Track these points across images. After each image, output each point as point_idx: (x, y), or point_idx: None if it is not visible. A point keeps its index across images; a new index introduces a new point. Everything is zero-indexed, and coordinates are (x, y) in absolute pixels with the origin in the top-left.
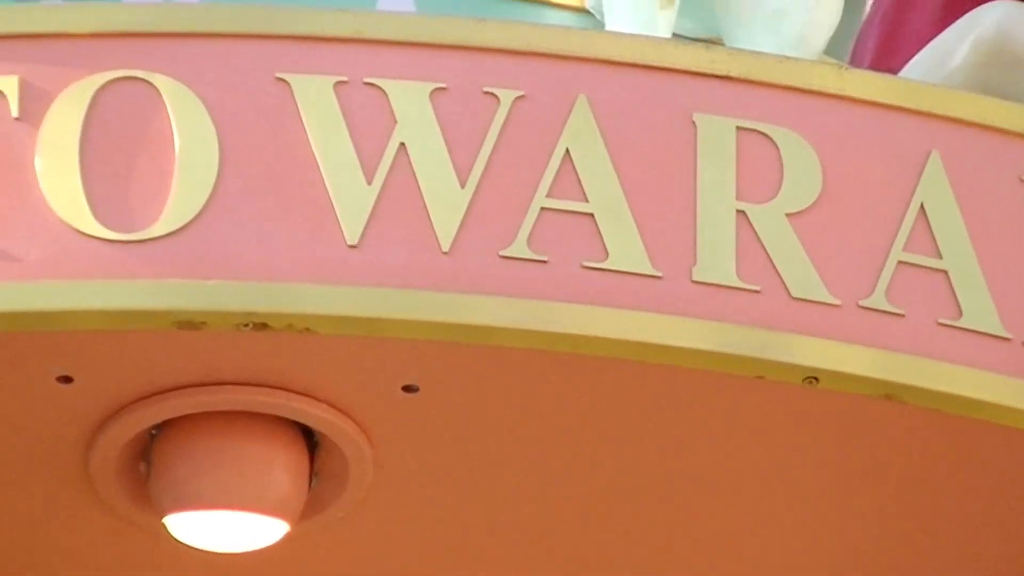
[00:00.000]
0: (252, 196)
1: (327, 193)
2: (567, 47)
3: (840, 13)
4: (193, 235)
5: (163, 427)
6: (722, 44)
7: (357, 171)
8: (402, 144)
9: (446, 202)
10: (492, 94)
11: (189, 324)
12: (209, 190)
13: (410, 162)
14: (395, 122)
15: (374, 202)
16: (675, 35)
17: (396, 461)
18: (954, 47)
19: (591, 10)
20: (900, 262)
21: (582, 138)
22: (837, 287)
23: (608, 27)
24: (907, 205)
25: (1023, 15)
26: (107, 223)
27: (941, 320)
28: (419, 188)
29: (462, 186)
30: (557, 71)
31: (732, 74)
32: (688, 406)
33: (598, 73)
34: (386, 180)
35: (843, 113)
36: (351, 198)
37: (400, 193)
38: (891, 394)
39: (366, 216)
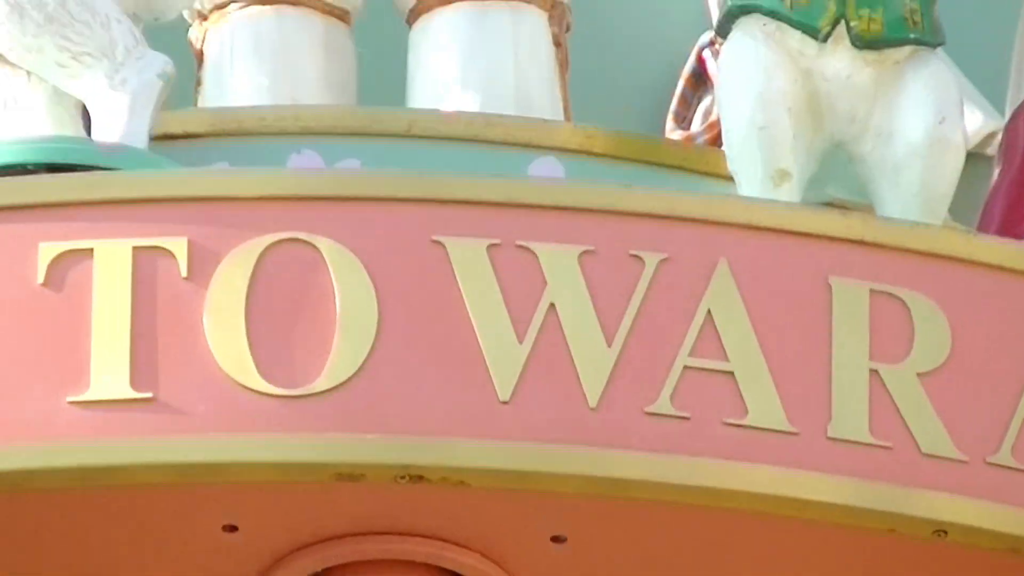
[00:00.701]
0: (409, 353)
1: (480, 351)
2: (709, 212)
3: (962, 159)
4: (353, 391)
5: (323, 575)
6: (860, 208)
7: (509, 330)
8: (552, 304)
9: (593, 360)
10: (638, 257)
11: (349, 476)
12: (368, 347)
13: (559, 321)
14: (545, 283)
15: (525, 360)
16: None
17: None
18: None
19: None
20: None
21: (723, 300)
22: (965, 444)
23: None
24: None
25: None
26: (271, 379)
27: None
28: (568, 346)
29: (608, 345)
30: (699, 235)
31: (866, 239)
32: (822, 558)
33: (738, 237)
34: (537, 339)
35: (971, 277)
36: (503, 356)
37: (550, 351)
38: (1017, 548)
39: (517, 373)
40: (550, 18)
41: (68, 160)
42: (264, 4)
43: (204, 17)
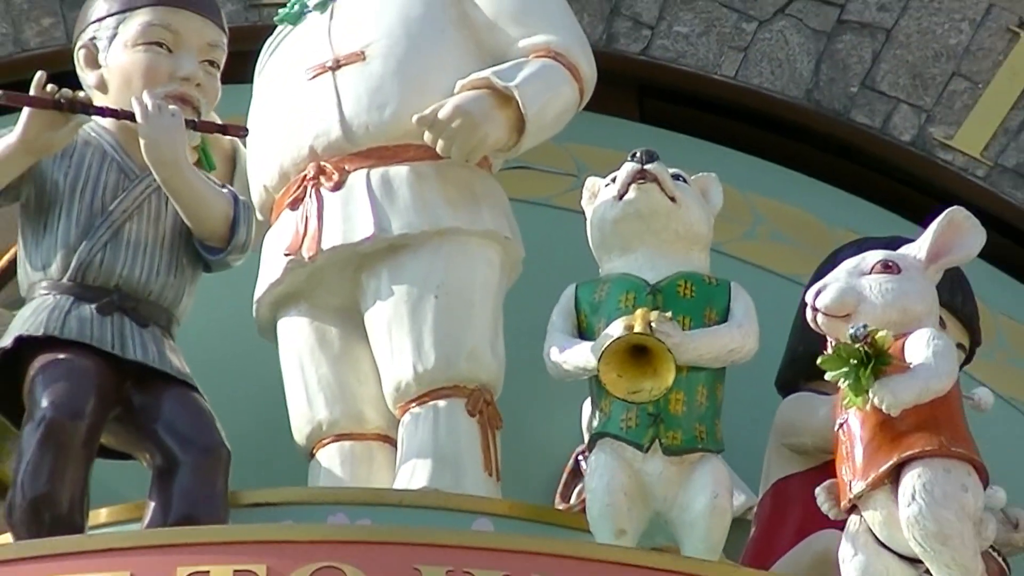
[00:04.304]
0: None
1: None
2: (578, 551)
3: (729, 520)
4: None
5: None
6: (672, 549)
7: None
8: None
9: None
10: None
11: None
12: None
13: None
14: None
15: None
16: None
17: None
18: (800, 557)
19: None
20: None
21: None
22: None
23: None
24: None
25: (837, 538)
26: None
27: None
28: None
29: None
30: (574, 565)
31: (675, 568)
32: None
33: (597, 565)
34: None
35: None
36: None
37: None
38: None
39: None
40: (468, 401)
41: None
42: (349, 440)
43: (311, 454)
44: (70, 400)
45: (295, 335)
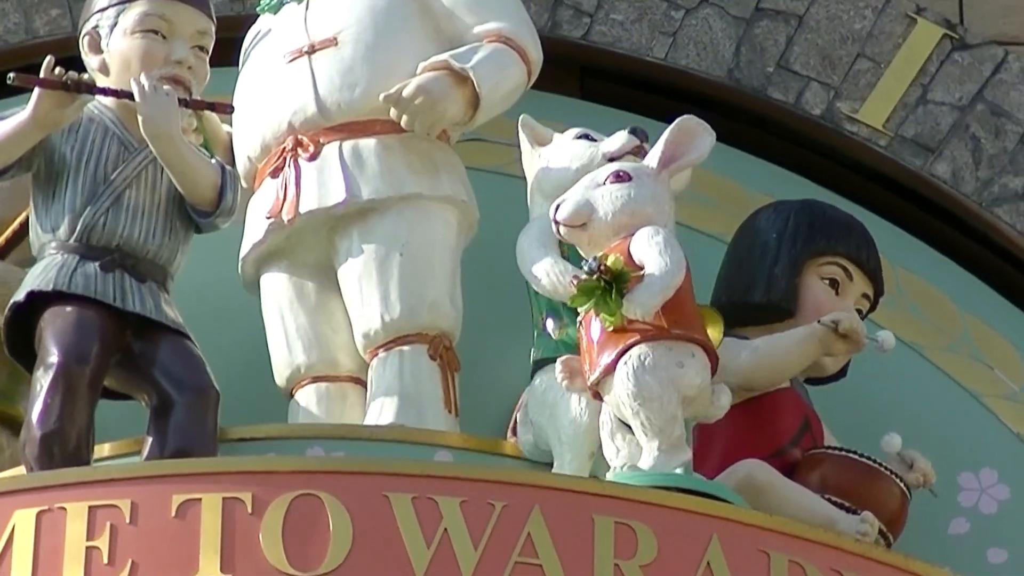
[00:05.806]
0: (372, 554)
1: (404, 544)
2: (531, 479)
3: None
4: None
5: None
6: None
7: (421, 541)
8: (445, 529)
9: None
10: (492, 504)
11: None
12: (347, 552)
13: (450, 540)
14: (442, 517)
15: (428, 560)
16: None
17: None
18: (725, 482)
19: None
20: None
21: (538, 528)
22: None
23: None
24: None
25: (765, 468)
26: (295, 564)
27: None
28: (455, 551)
29: (475, 547)
30: (524, 491)
31: (617, 494)
32: None
33: (548, 492)
34: (436, 551)
35: (670, 512)
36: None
37: (446, 554)
38: None
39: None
40: (430, 347)
41: None
42: (324, 382)
43: (290, 394)
44: (77, 347)
45: (276, 289)
